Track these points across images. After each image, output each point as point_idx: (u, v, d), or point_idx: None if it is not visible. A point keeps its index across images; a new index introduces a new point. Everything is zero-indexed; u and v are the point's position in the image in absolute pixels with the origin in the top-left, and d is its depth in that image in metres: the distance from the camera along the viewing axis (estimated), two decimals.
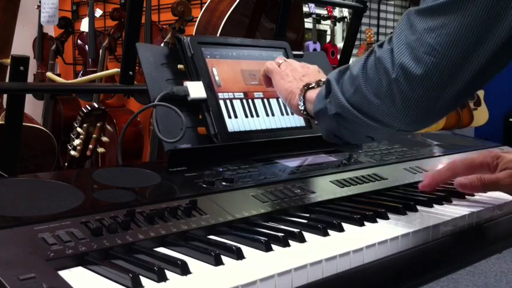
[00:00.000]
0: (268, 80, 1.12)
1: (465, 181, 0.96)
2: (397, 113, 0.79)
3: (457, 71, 0.74)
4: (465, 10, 0.72)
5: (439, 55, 0.74)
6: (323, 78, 1.01)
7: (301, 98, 0.98)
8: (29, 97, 2.87)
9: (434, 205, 0.99)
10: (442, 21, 0.73)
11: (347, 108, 0.84)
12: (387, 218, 0.90)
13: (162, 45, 2.84)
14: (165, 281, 0.62)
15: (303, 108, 0.98)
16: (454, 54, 0.73)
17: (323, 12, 4.67)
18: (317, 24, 4.54)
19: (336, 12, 4.76)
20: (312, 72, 1.06)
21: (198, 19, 2.65)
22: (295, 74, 1.05)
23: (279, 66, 1.09)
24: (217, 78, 1.14)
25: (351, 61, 2.76)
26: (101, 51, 3.34)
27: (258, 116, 1.18)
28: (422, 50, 0.74)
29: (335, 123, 0.87)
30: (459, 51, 0.73)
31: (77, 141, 1.94)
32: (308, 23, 4.31)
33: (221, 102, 1.13)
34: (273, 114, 1.20)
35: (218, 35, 2.44)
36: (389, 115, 0.80)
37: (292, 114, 1.24)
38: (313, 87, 0.97)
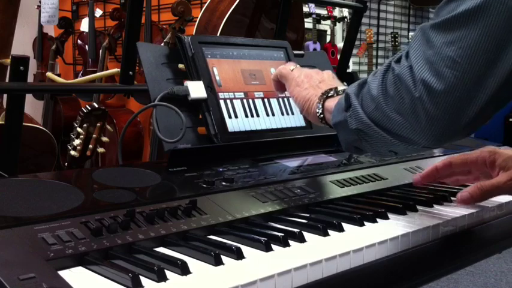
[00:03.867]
0: (279, 84, 1.08)
1: (466, 195, 0.94)
2: (421, 130, 0.76)
3: (481, 83, 0.72)
4: (484, 19, 0.70)
5: (461, 68, 0.71)
6: (339, 84, 0.99)
7: (320, 106, 0.95)
8: (29, 97, 2.88)
9: (434, 205, 0.99)
10: (462, 33, 0.72)
11: (368, 124, 0.81)
12: (387, 218, 0.90)
13: (162, 45, 2.84)
14: (165, 281, 0.62)
15: (321, 117, 0.95)
16: (476, 65, 0.71)
17: (323, 12, 4.67)
18: (317, 24, 4.54)
19: (336, 12, 4.76)
20: (328, 78, 1.02)
21: (198, 19, 2.65)
22: (311, 80, 1.01)
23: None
24: (217, 78, 1.14)
25: (350, 61, 2.76)
26: (101, 51, 3.34)
27: (258, 116, 1.18)
28: (443, 64, 0.72)
29: (356, 136, 0.85)
30: (482, 62, 0.71)
31: (77, 141, 1.94)
32: (308, 23, 4.31)
33: (221, 102, 1.13)
34: (273, 114, 1.20)
35: (218, 35, 2.44)
36: (413, 132, 0.77)
37: (293, 114, 1.24)
38: (332, 96, 0.94)
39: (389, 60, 0.82)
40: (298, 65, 1.07)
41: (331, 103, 0.93)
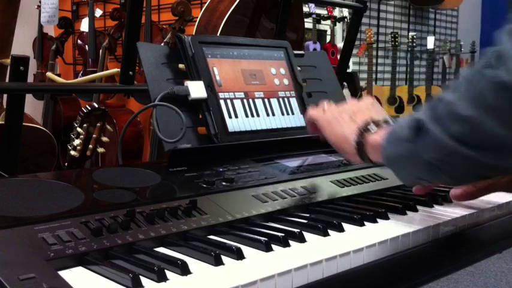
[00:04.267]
0: (313, 125, 1.01)
1: (459, 191, 0.92)
2: None
3: None
4: None
5: None
6: (380, 113, 0.89)
7: (359, 141, 0.85)
8: (29, 97, 2.87)
9: (434, 205, 0.99)
10: None
11: (455, 149, 0.69)
12: (387, 218, 0.90)
13: (162, 45, 2.84)
14: (165, 281, 0.62)
15: (363, 154, 0.85)
16: None
17: (323, 12, 4.67)
18: (317, 24, 4.54)
19: (336, 12, 4.76)
20: (365, 107, 0.91)
21: (198, 19, 2.65)
22: (344, 114, 0.91)
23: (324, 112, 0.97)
24: (218, 77, 1.14)
25: (350, 61, 2.75)
26: (101, 51, 3.34)
27: (258, 115, 1.18)
28: None
29: (427, 168, 0.74)
30: None
31: (77, 141, 1.93)
32: (308, 23, 4.31)
33: (222, 102, 1.13)
34: (273, 114, 1.20)
35: (218, 35, 2.43)
36: None
37: (293, 114, 1.24)
38: (372, 129, 0.84)
39: (474, 69, 0.70)
40: (331, 102, 0.99)
41: (375, 136, 0.83)
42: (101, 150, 1.96)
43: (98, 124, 1.93)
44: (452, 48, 5.67)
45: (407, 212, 0.93)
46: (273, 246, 0.74)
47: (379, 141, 0.82)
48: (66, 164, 2.02)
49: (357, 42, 3.58)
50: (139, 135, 3.22)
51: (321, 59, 1.42)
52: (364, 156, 0.86)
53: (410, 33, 5.12)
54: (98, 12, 3.58)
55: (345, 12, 4.74)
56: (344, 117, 0.92)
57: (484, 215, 0.97)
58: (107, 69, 3.31)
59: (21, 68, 1.24)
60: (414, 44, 4.98)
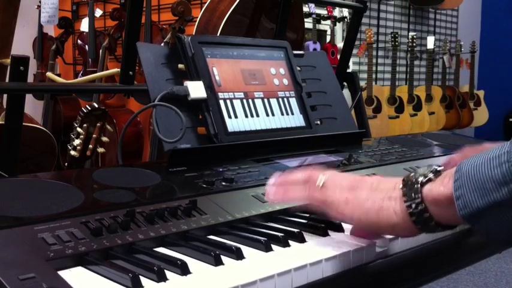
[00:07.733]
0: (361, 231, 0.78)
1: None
2: None
3: None
4: None
5: None
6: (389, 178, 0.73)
7: (418, 201, 0.66)
8: (29, 97, 2.87)
9: None
10: None
11: None
12: None
13: (162, 45, 2.84)
14: (165, 281, 0.62)
15: (425, 216, 0.66)
16: None
17: (323, 12, 4.66)
18: (317, 24, 4.53)
19: (336, 12, 4.75)
20: (374, 180, 0.73)
21: (198, 19, 2.65)
22: (362, 184, 0.72)
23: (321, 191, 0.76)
24: (217, 78, 1.14)
25: (350, 61, 2.75)
26: (101, 51, 3.34)
27: (258, 116, 1.18)
28: None
29: None
30: None
31: (77, 141, 1.93)
32: (308, 23, 4.31)
33: (221, 102, 1.13)
34: (273, 114, 1.20)
35: (218, 35, 2.43)
36: None
37: (293, 114, 1.23)
38: (429, 180, 0.66)
39: None
40: (324, 173, 0.78)
41: (440, 189, 0.65)
42: (101, 150, 1.96)
43: (98, 124, 1.93)
44: (452, 48, 5.67)
45: None
46: (273, 246, 0.74)
47: (448, 193, 0.64)
48: (66, 164, 2.02)
49: (357, 42, 3.58)
50: (139, 135, 3.22)
51: (321, 59, 1.42)
52: (426, 220, 0.67)
53: (410, 33, 5.12)
54: (98, 12, 3.58)
55: (345, 12, 4.74)
56: (364, 188, 0.72)
57: None
58: (107, 69, 3.31)
59: (21, 68, 1.24)
60: (414, 44, 4.97)
